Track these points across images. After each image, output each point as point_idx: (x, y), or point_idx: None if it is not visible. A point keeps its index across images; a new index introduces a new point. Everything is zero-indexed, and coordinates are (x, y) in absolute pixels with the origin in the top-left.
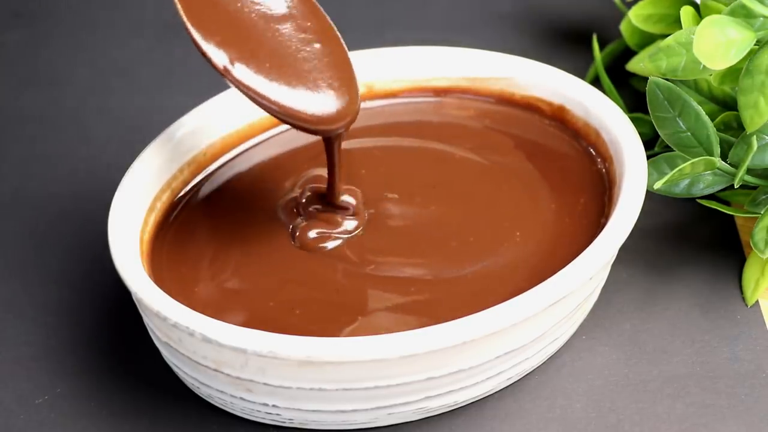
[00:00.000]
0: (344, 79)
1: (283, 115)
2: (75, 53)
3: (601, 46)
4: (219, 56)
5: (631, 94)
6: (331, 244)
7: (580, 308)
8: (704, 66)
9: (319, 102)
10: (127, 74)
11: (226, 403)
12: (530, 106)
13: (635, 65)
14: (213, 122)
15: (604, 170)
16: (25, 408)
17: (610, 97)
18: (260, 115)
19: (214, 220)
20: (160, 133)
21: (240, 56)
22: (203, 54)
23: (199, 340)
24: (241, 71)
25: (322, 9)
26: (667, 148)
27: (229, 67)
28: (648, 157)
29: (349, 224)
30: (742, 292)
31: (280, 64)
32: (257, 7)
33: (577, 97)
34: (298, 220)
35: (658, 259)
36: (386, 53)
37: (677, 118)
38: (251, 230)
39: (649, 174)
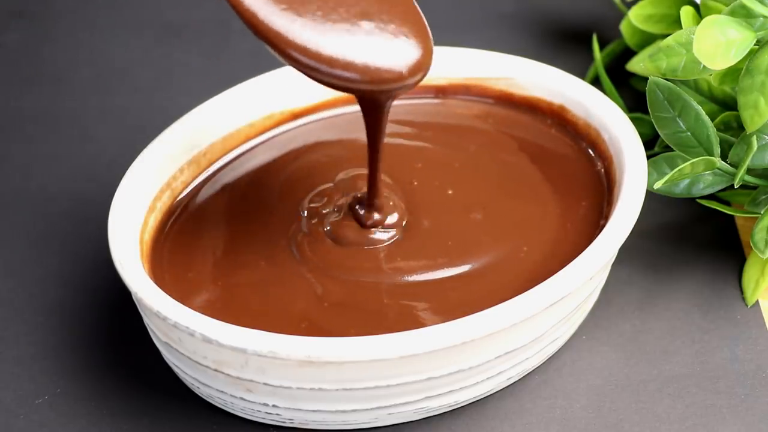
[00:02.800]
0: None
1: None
2: (75, 53)
3: (601, 46)
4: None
5: (631, 94)
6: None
7: (580, 308)
8: (704, 66)
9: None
10: (127, 74)
11: (226, 403)
12: (530, 106)
13: (635, 65)
14: (213, 122)
15: (604, 170)
16: (25, 408)
17: (610, 97)
18: (261, 114)
19: (214, 220)
20: (160, 133)
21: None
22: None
23: (199, 340)
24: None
25: None
26: (667, 148)
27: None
28: (648, 157)
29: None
30: (742, 292)
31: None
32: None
33: (577, 97)
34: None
35: (658, 259)
36: None
37: (677, 118)
38: (251, 230)
39: (649, 174)
